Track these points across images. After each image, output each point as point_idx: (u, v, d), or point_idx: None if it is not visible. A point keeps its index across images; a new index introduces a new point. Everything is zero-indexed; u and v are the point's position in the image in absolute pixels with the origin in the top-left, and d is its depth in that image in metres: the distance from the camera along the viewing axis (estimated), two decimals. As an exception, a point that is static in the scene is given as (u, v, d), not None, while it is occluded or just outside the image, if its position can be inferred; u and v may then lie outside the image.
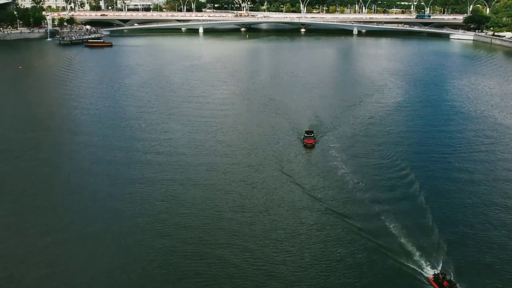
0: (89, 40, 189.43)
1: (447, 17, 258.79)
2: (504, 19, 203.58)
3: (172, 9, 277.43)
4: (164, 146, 68.67)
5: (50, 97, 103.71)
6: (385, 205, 50.49)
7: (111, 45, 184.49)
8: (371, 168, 60.54)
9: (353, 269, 40.19)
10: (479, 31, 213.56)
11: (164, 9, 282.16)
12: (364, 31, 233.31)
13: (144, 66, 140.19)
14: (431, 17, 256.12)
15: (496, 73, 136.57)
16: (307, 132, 71.65)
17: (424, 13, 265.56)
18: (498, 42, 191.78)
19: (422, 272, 39.48)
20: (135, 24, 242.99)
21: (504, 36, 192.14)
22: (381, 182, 56.56)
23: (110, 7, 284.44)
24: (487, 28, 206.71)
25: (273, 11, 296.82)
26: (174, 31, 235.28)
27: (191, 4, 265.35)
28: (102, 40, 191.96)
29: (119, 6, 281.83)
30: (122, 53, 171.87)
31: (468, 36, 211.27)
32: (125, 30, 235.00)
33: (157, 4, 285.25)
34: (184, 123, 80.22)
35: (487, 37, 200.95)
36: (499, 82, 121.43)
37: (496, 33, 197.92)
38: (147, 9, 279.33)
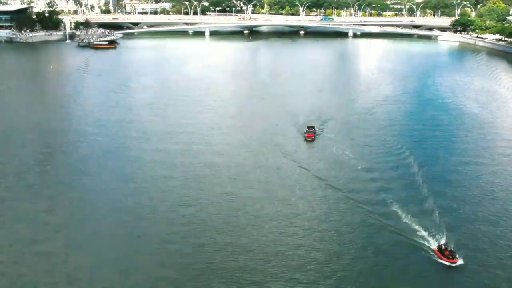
0: (94, 42, 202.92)
1: (435, 20, 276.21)
2: (488, 22, 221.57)
3: (178, 12, 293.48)
4: (178, 141, 78.56)
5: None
6: (387, 185, 61.41)
7: (115, 47, 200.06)
8: (367, 155, 72.28)
9: (368, 245, 47.83)
10: (465, 33, 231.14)
11: (170, 13, 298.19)
12: (359, 33, 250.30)
13: (158, 65, 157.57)
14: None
15: (478, 70, 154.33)
16: (308, 127, 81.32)
17: (415, 16, 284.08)
18: (481, 43, 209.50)
19: (429, 245, 47.70)
20: (144, 27, 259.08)
21: (487, 38, 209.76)
22: (380, 166, 68.03)
23: (119, 11, 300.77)
24: (472, 30, 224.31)
25: (273, 14, 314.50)
26: (182, 34, 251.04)
27: (196, 8, 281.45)
28: (106, 42, 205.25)
29: (127, 9, 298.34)
30: (132, 54, 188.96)
31: (454, 38, 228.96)
32: (135, 33, 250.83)
33: (164, 8, 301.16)
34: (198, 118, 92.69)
35: (472, 38, 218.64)
36: (479, 78, 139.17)
37: (479, 35, 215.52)
38: (154, 12, 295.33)
